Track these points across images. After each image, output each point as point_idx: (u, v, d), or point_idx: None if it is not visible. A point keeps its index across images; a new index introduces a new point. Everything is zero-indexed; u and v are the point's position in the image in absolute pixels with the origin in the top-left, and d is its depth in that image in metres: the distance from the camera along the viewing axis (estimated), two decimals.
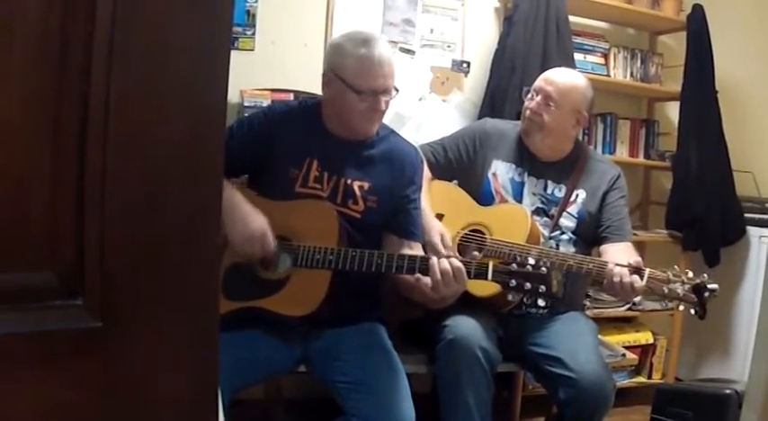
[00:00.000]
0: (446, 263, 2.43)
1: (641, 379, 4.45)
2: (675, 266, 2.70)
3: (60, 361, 0.84)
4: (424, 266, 2.47)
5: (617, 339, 4.16)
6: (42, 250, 0.83)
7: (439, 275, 2.43)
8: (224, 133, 0.94)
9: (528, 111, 3.10)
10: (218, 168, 0.92)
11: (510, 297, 2.49)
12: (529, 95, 3.14)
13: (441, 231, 2.96)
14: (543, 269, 2.39)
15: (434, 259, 2.46)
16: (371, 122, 2.69)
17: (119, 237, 0.85)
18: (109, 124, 0.83)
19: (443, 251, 2.84)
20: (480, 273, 2.45)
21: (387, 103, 2.66)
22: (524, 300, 2.44)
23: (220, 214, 0.93)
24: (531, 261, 2.42)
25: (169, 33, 0.85)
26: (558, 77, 3.12)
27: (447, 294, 2.47)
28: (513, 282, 2.40)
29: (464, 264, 2.46)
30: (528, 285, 2.39)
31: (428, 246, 2.88)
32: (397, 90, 2.69)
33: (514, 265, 2.41)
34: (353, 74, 2.60)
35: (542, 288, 2.38)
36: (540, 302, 2.43)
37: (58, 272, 0.84)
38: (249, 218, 2.44)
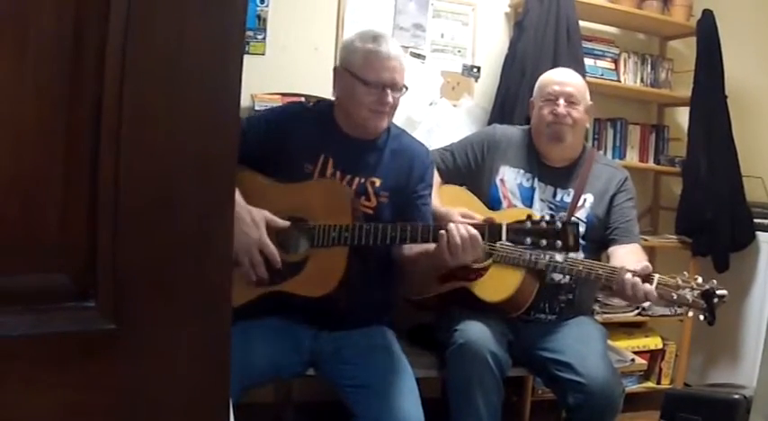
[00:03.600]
0: (464, 229, 2.46)
1: (650, 384, 4.45)
2: (685, 272, 2.70)
3: (73, 362, 0.85)
4: (436, 234, 2.49)
5: (626, 344, 4.15)
6: (55, 252, 0.84)
7: (458, 239, 2.45)
8: (237, 135, 0.95)
9: (552, 117, 3.08)
10: (231, 170, 0.92)
11: (529, 256, 2.46)
12: (542, 102, 3.12)
13: (460, 211, 2.96)
14: (558, 224, 2.38)
15: (452, 225, 2.48)
16: (380, 117, 2.69)
17: (131, 238, 0.86)
18: (122, 126, 0.83)
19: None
20: (494, 235, 2.45)
21: (395, 100, 2.68)
22: (540, 257, 2.42)
23: (233, 215, 0.94)
24: (546, 217, 2.42)
25: (182, 36, 0.86)
26: (568, 78, 3.15)
27: (464, 260, 2.51)
28: (529, 240, 2.39)
29: (478, 227, 2.48)
30: (543, 242, 2.38)
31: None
32: (406, 88, 2.71)
33: (528, 223, 2.41)
34: (362, 66, 2.64)
35: (558, 243, 2.36)
36: (558, 257, 2.40)
37: (70, 274, 0.84)
38: (240, 233, 2.45)
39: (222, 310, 0.93)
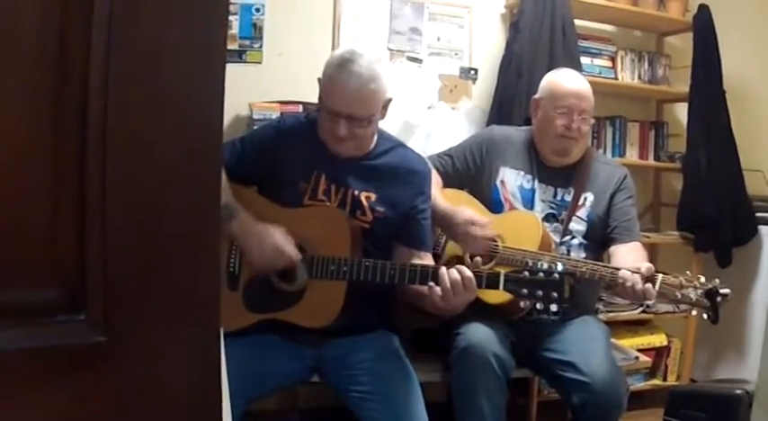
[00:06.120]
0: (456, 273, 2.42)
1: (656, 381, 4.44)
2: (688, 272, 2.69)
3: (66, 376, 0.85)
4: (435, 276, 2.47)
5: (631, 342, 4.15)
6: (45, 266, 0.84)
7: (449, 285, 2.42)
8: (221, 142, 0.95)
9: (563, 129, 3.06)
10: (216, 177, 0.93)
11: (522, 304, 2.48)
12: (555, 112, 3.08)
13: (467, 216, 2.92)
14: (555, 275, 2.38)
15: (443, 269, 2.45)
16: (339, 143, 2.64)
17: (120, 251, 0.86)
18: (107, 137, 0.83)
19: (481, 221, 2.86)
20: (492, 283, 2.45)
21: (355, 130, 2.60)
22: (537, 306, 2.42)
23: (220, 223, 0.94)
24: (544, 266, 2.41)
25: (164, 45, 0.86)
26: (583, 89, 3.13)
27: (456, 304, 2.46)
28: (525, 291, 2.39)
29: (475, 274, 2.45)
30: (540, 293, 2.37)
31: (462, 226, 2.88)
32: (372, 120, 2.63)
33: (526, 273, 2.40)
34: (323, 91, 2.62)
35: (554, 294, 2.36)
36: (553, 308, 2.41)
37: (60, 287, 0.85)
38: (262, 240, 2.49)
39: (212, 321, 0.93)
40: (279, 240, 2.50)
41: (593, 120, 3.21)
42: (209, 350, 0.93)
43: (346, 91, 2.54)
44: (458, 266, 2.47)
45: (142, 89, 0.86)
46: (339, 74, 2.55)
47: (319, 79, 2.70)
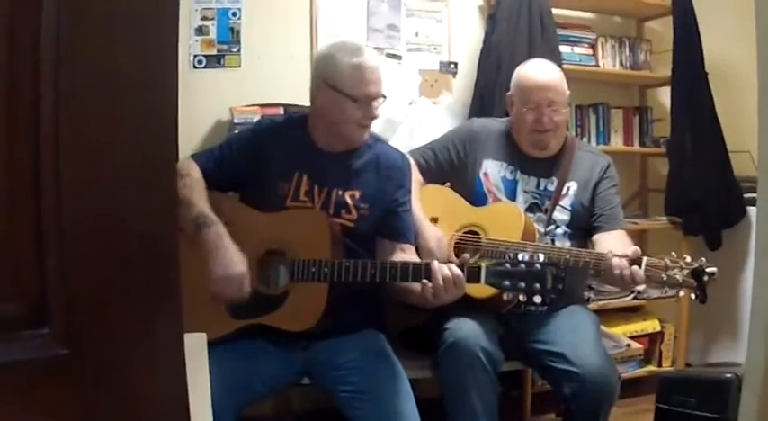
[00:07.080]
0: (447, 270, 2.43)
1: (651, 367, 4.42)
2: (673, 253, 2.68)
3: (31, 389, 0.85)
4: (417, 273, 2.47)
5: (624, 329, 4.15)
6: (5, 282, 0.83)
7: (441, 281, 2.42)
8: (176, 146, 0.94)
9: (535, 124, 3.05)
10: (172, 184, 0.93)
11: (505, 297, 2.46)
12: (524, 108, 3.07)
13: (437, 237, 2.96)
14: (537, 266, 2.37)
15: (436, 265, 2.45)
16: (364, 130, 2.73)
17: (80, 263, 0.85)
18: (60, 150, 0.83)
19: (439, 258, 2.83)
20: (473, 277, 2.44)
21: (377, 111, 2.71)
22: (521, 298, 2.41)
23: (178, 231, 0.94)
24: (525, 258, 2.40)
25: (114, 55, 0.86)
26: (549, 78, 3.10)
27: (447, 299, 2.47)
28: (507, 283, 2.38)
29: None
30: (522, 284, 2.36)
31: (424, 253, 2.88)
32: (384, 97, 2.72)
33: (507, 265, 2.40)
34: (349, 82, 2.63)
35: (537, 285, 2.35)
36: (537, 299, 2.40)
37: (22, 302, 0.85)
38: (231, 262, 2.46)
39: (175, 328, 0.92)
40: (243, 272, 2.47)
41: (566, 109, 3.18)
42: (174, 359, 0.93)
43: (374, 74, 2.67)
44: (448, 264, 2.47)
45: (95, 95, 0.86)
46: (363, 61, 2.65)
47: (318, 84, 2.72)
